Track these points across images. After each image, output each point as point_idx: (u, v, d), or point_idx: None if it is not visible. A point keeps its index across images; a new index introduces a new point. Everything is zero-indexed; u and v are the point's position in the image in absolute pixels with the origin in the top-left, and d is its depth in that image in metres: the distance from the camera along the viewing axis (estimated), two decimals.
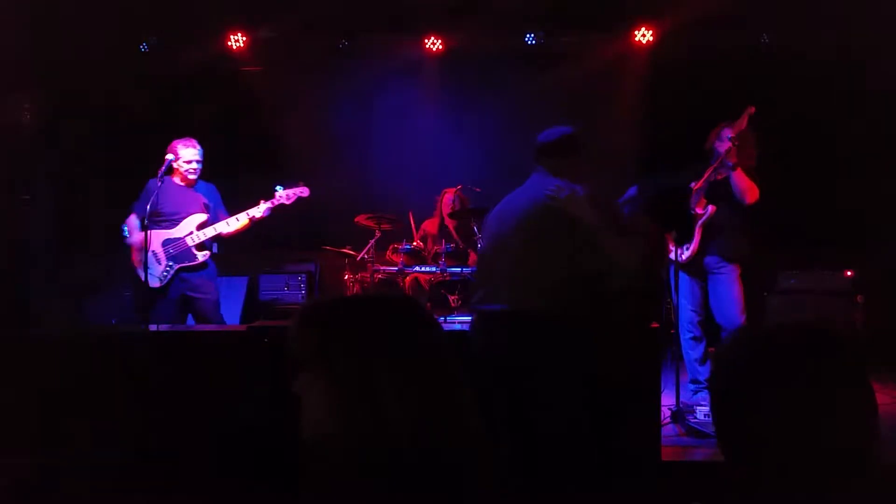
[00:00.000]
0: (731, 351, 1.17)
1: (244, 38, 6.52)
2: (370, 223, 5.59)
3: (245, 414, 3.49)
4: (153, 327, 4.10)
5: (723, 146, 4.32)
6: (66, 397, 3.43)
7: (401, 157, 6.42)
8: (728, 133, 4.30)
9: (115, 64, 6.08)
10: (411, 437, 1.06)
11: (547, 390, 2.82)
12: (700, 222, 4.38)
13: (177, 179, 4.69)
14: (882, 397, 4.35)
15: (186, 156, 4.64)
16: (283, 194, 4.78)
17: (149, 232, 4.43)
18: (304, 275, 6.43)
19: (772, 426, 1.07)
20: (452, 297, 5.26)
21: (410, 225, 5.95)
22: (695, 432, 3.92)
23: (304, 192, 4.84)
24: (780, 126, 5.23)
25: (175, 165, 4.63)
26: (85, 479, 3.18)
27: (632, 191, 3.94)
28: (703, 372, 4.48)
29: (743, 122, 4.17)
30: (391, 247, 5.62)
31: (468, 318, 3.36)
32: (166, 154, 4.60)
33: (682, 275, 4.46)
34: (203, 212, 4.68)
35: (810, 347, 1.10)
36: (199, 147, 4.69)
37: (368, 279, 5.52)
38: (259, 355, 3.64)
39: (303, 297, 6.36)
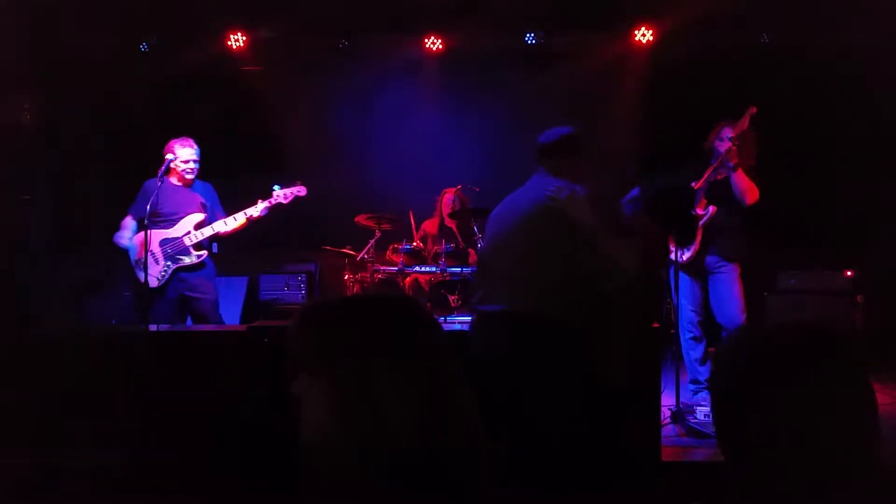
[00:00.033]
0: (732, 351, 1.17)
1: (244, 38, 6.53)
2: (370, 223, 5.59)
3: (245, 414, 3.49)
4: (153, 327, 4.10)
5: (723, 145, 4.32)
6: (66, 397, 3.43)
7: (401, 157, 6.42)
8: (728, 133, 4.30)
9: (115, 64, 6.08)
10: (411, 437, 1.06)
11: (545, 390, 2.82)
12: (701, 223, 4.38)
13: (174, 179, 4.69)
14: (882, 397, 4.35)
15: (184, 155, 4.64)
16: (280, 194, 4.78)
17: (149, 231, 4.44)
18: (304, 275, 6.43)
19: (772, 426, 1.07)
20: (452, 297, 5.26)
21: (411, 225, 5.95)
22: (695, 432, 3.92)
23: (301, 191, 4.84)
24: (780, 126, 5.23)
25: (172, 165, 4.63)
26: (85, 479, 3.18)
27: (634, 191, 3.94)
28: (703, 372, 4.48)
29: (745, 122, 4.15)
30: (391, 247, 5.62)
31: (468, 318, 3.36)
32: (165, 154, 4.60)
33: (682, 275, 4.46)
34: (200, 211, 4.68)
35: (810, 347, 1.10)
36: (196, 147, 4.69)
37: (368, 279, 5.52)
38: (259, 355, 3.64)
39: (303, 297, 6.37)
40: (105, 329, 4.92)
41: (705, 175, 4.35)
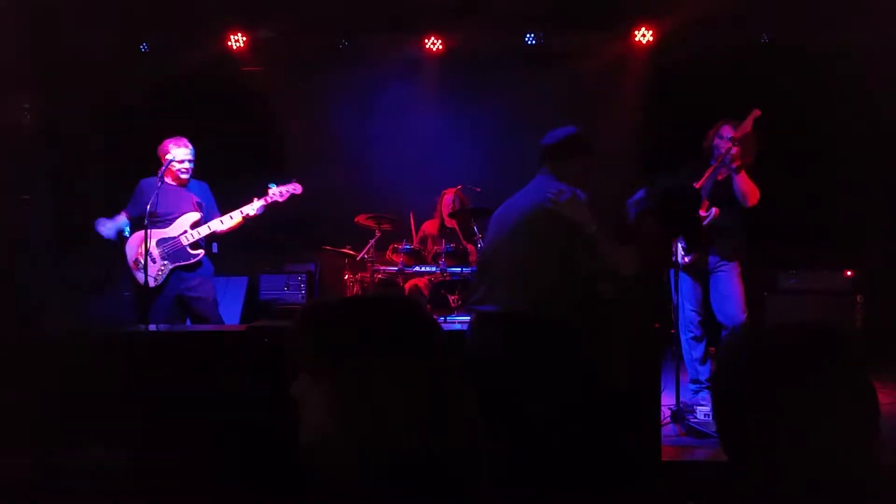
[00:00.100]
0: (732, 351, 1.17)
1: (244, 38, 6.53)
2: (370, 223, 5.59)
3: (245, 414, 3.48)
4: (153, 327, 4.10)
5: (722, 144, 4.31)
6: (66, 397, 3.42)
7: (401, 157, 6.42)
8: (728, 132, 4.29)
9: (115, 64, 6.08)
10: (411, 437, 1.06)
11: (542, 391, 2.81)
12: (703, 224, 4.37)
13: (168, 179, 4.69)
14: (882, 397, 4.35)
15: (179, 155, 4.65)
16: (276, 192, 4.78)
17: (148, 231, 4.44)
18: (304, 275, 6.43)
19: (772, 426, 1.07)
20: (452, 297, 5.26)
21: (411, 227, 5.95)
22: (695, 432, 3.92)
23: (297, 189, 4.84)
24: (780, 126, 5.23)
25: (169, 166, 4.64)
26: (85, 479, 3.18)
27: (640, 193, 3.92)
28: (704, 372, 4.47)
29: (748, 125, 4.12)
30: (391, 247, 5.62)
31: (468, 318, 3.36)
32: (161, 154, 4.61)
33: (682, 275, 4.46)
34: (196, 210, 4.69)
35: (811, 347, 1.10)
36: (190, 146, 4.70)
37: (368, 279, 5.52)
38: (259, 355, 3.64)
39: (303, 297, 6.37)
40: (105, 329, 4.92)
41: (706, 175, 4.34)
